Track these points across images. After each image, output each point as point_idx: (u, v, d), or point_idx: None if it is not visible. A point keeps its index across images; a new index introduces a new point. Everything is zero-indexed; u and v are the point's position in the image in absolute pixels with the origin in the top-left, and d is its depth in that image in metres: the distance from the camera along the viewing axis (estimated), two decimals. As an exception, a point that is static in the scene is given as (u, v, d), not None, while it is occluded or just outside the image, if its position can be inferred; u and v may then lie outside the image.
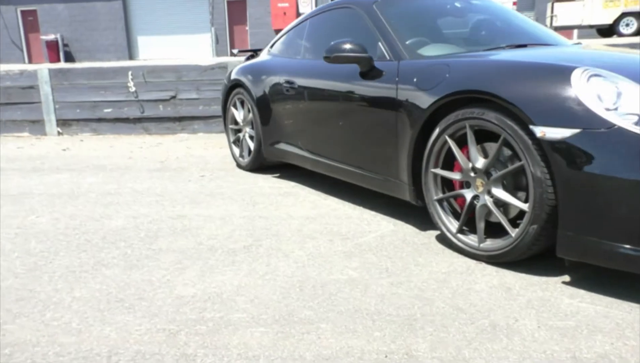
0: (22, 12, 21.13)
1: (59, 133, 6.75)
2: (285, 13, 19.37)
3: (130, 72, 6.50)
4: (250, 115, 4.21)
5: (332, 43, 2.97)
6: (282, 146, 3.89)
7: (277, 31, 19.73)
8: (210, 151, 5.36)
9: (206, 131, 6.54)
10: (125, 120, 6.65)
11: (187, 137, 6.39)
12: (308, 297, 2.07)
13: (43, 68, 6.67)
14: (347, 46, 2.91)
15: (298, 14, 19.59)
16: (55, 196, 3.77)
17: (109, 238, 2.82)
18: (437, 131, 2.44)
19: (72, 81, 6.63)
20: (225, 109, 4.62)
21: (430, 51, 2.94)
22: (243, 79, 4.26)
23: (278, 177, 4.10)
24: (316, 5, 19.43)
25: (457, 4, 3.44)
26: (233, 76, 4.47)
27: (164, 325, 1.90)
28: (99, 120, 6.70)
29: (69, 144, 6.13)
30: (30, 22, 21.16)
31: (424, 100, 2.50)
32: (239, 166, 4.50)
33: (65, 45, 20.75)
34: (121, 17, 20.52)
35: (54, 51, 20.49)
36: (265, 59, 4.29)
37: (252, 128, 4.25)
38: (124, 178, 4.27)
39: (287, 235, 2.79)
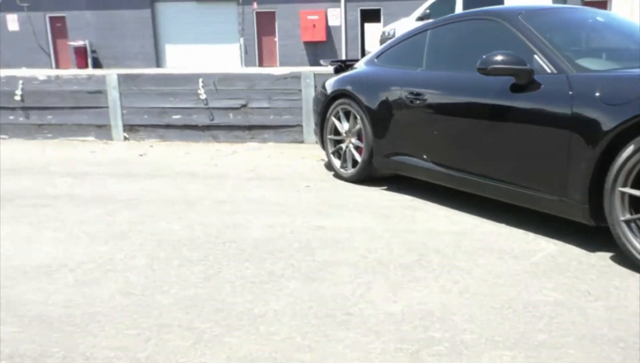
0: (51, 18, 21.25)
1: (125, 138, 6.68)
2: (314, 25, 19.44)
3: (201, 80, 6.45)
4: (358, 126, 4.13)
5: (486, 55, 2.90)
6: (401, 158, 3.80)
7: (307, 43, 19.81)
8: (294, 161, 5.27)
9: (276, 141, 6.47)
10: (194, 127, 6.59)
11: (258, 146, 6.31)
12: (529, 319, 1.96)
13: (112, 73, 6.63)
14: (504, 58, 2.83)
15: (327, 27, 19.67)
16: (167, 202, 3.68)
17: (262, 248, 2.72)
18: (631, 148, 2.34)
19: (140, 87, 6.58)
20: (323, 119, 4.55)
21: (591, 64, 2.86)
22: (350, 89, 4.19)
23: (387, 190, 4.01)
24: (345, 19, 19.50)
25: (599, 18, 3.37)
26: (335, 86, 4.40)
27: (397, 344, 1.79)
28: (167, 126, 6.63)
29: (141, 149, 6.06)
30: (59, 28, 21.26)
31: (613, 116, 2.40)
32: (339, 177, 4.41)
33: (93, 51, 20.83)
34: (149, 26, 20.61)
35: (82, 57, 20.56)
36: (375, 70, 4.22)
37: (358, 139, 4.17)
38: (227, 186, 4.17)
39: (449, 250, 2.69)
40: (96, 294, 2.18)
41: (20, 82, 6.70)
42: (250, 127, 6.53)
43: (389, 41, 4.53)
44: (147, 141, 6.64)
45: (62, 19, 21.01)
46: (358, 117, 4.11)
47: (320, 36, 19.47)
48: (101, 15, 20.71)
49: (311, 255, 2.62)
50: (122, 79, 6.58)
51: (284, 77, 6.38)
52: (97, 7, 20.61)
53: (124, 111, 6.64)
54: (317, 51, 19.81)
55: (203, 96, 6.46)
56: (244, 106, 6.47)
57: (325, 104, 4.50)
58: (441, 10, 13.09)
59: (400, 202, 3.65)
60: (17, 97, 6.71)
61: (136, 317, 1.97)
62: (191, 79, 6.52)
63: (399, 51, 4.11)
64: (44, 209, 3.49)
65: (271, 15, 19.98)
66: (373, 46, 21.07)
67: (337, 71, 5.04)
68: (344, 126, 4.33)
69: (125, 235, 2.95)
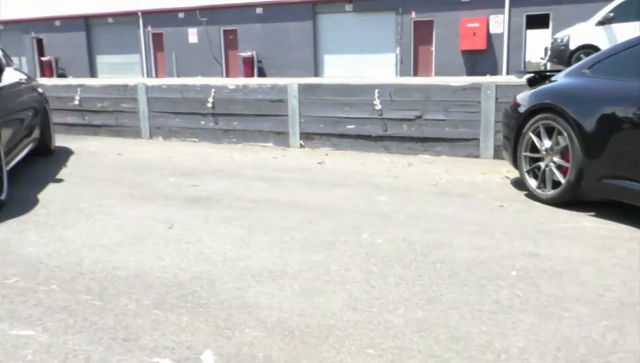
0: (224, 31, 23.25)
1: (301, 146, 6.98)
2: (474, 34, 18.71)
3: (377, 90, 6.49)
4: (563, 144, 3.78)
5: None
6: (621, 182, 3.38)
7: (465, 52, 19.16)
8: (475, 176, 5.03)
9: (450, 154, 6.26)
10: (367, 137, 6.65)
11: (431, 159, 6.16)
12: None
13: (293, 83, 6.96)
14: None
15: (488, 35, 18.82)
16: (362, 214, 3.70)
17: (477, 273, 2.57)
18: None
19: (319, 96, 6.82)
20: (518, 134, 4.25)
21: None
22: (554, 103, 3.85)
23: (595, 216, 3.59)
24: (509, 26, 18.50)
25: None
26: (534, 100, 4.09)
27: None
28: (341, 136, 6.78)
29: (318, 157, 6.26)
30: (231, 40, 23.19)
31: None
32: (533, 198, 4.08)
33: (259, 61, 22.35)
34: (310, 36, 21.54)
35: (249, 66, 22.18)
36: (587, 81, 3.83)
37: (562, 158, 3.82)
38: (413, 200, 4.09)
39: None
40: (324, 305, 2.21)
41: (213, 90, 7.34)
42: (424, 139, 6.40)
43: (604, 50, 4.10)
44: (322, 149, 6.84)
45: (234, 32, 22.89)
46: (565, 134, 3.76)
47: (480, 44, 18.67)
48: (268, 28, 22.15)
49: (535, 286, 2.41)
50: (302, 88, 6.88)
51: (463, 89, 6.15)
52: (265, 21, 22.09)
53: (302, 120, 6.93)
54: (476, 60, 19.03)
55: (378, 107, 6.49)
56: (419, 117, 6.37)
57: (522, 118, 4.21)
58: (628, 13, 11.73)
59: (618, 232, 3.25)
60: (209, 104, 7.36)
61: (372, 336, 1.95)
62: (367, 89, 6.59)
63: (621, 60, 3.68)
64: (250, 212, 3.72)
65: (429, 24, 19.67)
66: (536, 53, 19.68)
67: (532, 83, 4.70)
68: (544, 143, 4.00)
69: (332, 245, 2.99)
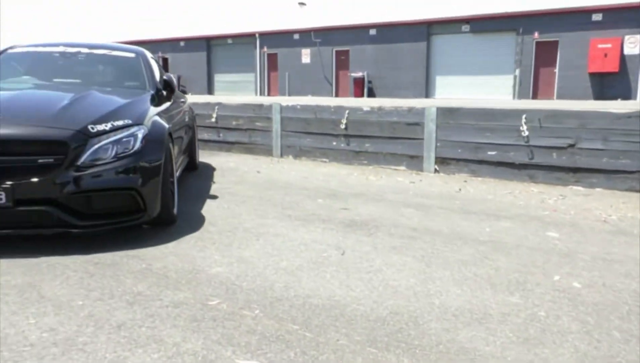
0: (337, 51, 23.67)
1: (435, 170, 6.76)
2: (606, 55, 17.42)
3: (524, 116, 6.12)
4: None
5: None
6: None
7: (593, 75, 17.89)
8: (651, 216, 4.51)
9: (607, 187, 5.72)
10: (509, 165, 6.28)
11: (586, 191, 5.66)
12: None
13: (431, 107, 6.79)
14: None
15: (622, 56, 17.44)
16: (537, 250, 3.41)
17: None
18: None
19: (458, 121, 6.58)
20: None
21: None
22: None
23: None
24: (646, 47, 17.01)
25: None
26: None
27: None
28: (480, 162, 6.48)
29: (456, 184, 6.00)
30: (342, 61, 23.55)
31: None
32: None
33: (369, 82, 22.46)
34: (423, 57, 21.28)
35: (359, 87, 22.35)
36: None
37: None
38: (589, 239, 3.72)
39: None
40: (552, 359, 1.99)
41: (347, 111, 7.36)
42: (576, 170, 5.92)
43: None
44: (458, 175, 6.58)
45: (346, 52, 23.24)
46: None
47: (612, 67, 17.31)
48: (380, 49, 22.23)
49: None
50: (440, 112, 6.68)
51: (627, 116, 5.62)
52: (378, 42, 22.21)
53: (438, 144, 6.72)
54: (606, 82, 17.68)
55: (525, 133, 6.11)
56: (572, 145, 5.90)
57: None
58: None
59: None
60: (342, 125, 7.38)
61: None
62: (512, 114, 6.24)
63: None
64: (415, 241, 3.57)
65: (553, 45, 18.64)
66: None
67: None
68: None
69: (524, 286, 2.76)
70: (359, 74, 22.39)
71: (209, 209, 4.41)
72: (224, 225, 3.86)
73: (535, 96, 19.27)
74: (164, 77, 4.70)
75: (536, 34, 18.85)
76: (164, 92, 4.61)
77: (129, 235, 3.46)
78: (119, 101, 3.69)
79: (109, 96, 3.88)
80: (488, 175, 6.44)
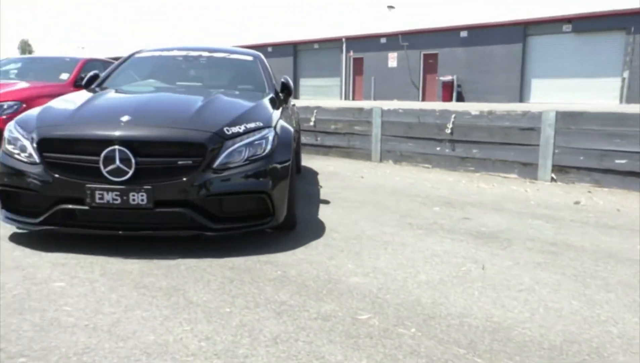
0: (425, 55, 23.15)
1: (552, 179, 6.28)
2: None
3: (663, 120, 5.52)
4: None
5: None
6: None
7: None
8: None
9: None
10: (641, 175, 5.70)
11: None
12: None
13: (550, 111, 6.32)
14: None
15: None
16: None
17: None
18: None
19: (580, 126, 6.07)
20: None
21: None
22: None
23: None
24: None
25: None
26: None
27: None
28: (605, 171, 5.93)
29: (578, 194, 5.51)
30: (430, 65, 22.99)
31: None
32: None
33: (458, 86, 21.75)
34: (519, 60, 20.29)
35: (448, 91, 21.70)
36: None
37: None
38: None
39: None
40: None
41: (453, 116, 7.04)
42: None
43: None
44: (578, 184, 6.06)
45: (435, 55, 22.66)
46: None
47: None
48: (471, 52, 21.45)
49: None
50: (560, 116, 6.20)
51: None
52: (469, 44, 21.45)
53: (556, 151, 6.24)
54: None
55: (663, 140, 5.51)
56: None
57: None
58: None
59: None
60: (448, 130, 7.07)
61: None
62: (647, 119, 5.65)
63: None
64: (558, 258, 3.25)
65: (668, 44, 17.09)
66: None
67: None
68: None
69: None
70: (448, 78, 21.74)
71: (324, 214, 4.30)
72: (346, 232, 3.72)
73: (645, 100, 17.73)
74: (282, 80, 4.66)
75: (649, 33, 17.37)
76: (281, 95, 4.57)
77: (253, 239, 3.41)
78: (246, 103, 3.67)
79: (236, 99, 3.88)
80: (615, 185, 5.87)
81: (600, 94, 18.46)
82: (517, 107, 7.17)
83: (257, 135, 3.23)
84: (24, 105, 5.90)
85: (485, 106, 7.05)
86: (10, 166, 3.09)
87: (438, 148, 7.29)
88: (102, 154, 2.92)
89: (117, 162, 2.91)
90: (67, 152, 3.02)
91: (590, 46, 18.67)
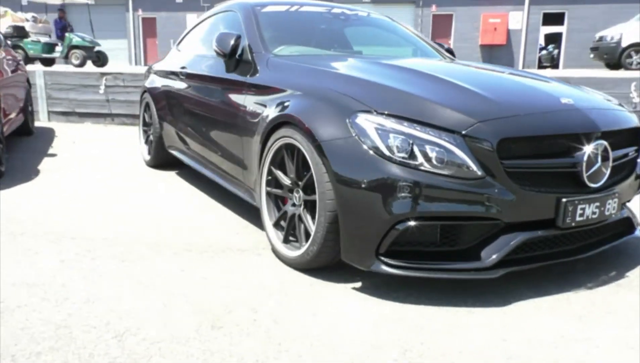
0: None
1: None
2: (495, 29, 19.48)
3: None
4: None
5: None
6: None
7: (483, 47, 19.86)
8: None
9: None
10: None
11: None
12: None
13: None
14: None
15: (508, 30, 19.68)
16: None
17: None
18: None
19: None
20: None
21: None
22: None
23: None
24: (527, 21, 19.46)
25: None
26: None
27: None
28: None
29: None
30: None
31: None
32: None
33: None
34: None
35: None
36: None
37: None
38: None
39: None
40: None
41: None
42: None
43: None
44: None
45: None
46: None
47: (501, 40, 19.47)
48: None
49: None
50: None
51: None
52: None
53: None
54: (494, 54, 19.80)
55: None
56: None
57: None
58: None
59: None
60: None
61: None
62: None
63: None
64: None
65: (448, 18, 20.13)
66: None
67: None
68: None
69: None
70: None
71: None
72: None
73: None
74: (445, 46, 4.01)
75: (434, 7, 20.15)
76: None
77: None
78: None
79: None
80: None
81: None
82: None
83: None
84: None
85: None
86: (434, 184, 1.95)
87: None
88: (585, 153, 2.10)
89: (599, 162, 2.14)
90: (529, 156, 2.10)
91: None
